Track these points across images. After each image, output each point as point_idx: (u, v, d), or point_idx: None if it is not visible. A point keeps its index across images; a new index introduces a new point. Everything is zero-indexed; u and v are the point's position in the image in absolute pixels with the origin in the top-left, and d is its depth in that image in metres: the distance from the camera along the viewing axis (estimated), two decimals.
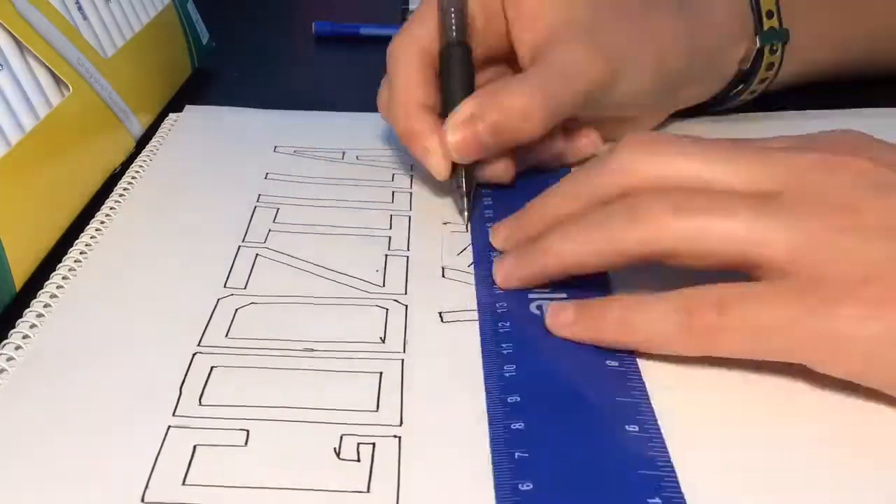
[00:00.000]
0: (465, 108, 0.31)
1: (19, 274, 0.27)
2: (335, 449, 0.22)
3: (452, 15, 0.34)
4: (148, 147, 0.38)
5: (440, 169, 0.32)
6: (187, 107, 0.42)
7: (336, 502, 0.20)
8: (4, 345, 0.25)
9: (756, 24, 0.38)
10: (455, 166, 0.33)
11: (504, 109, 0.31)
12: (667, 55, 0.35)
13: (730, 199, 0.24)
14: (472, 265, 0.30)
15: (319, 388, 0.24)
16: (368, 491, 0.21)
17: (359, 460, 0.22)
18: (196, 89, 0.44)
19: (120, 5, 0.39)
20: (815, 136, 0.27)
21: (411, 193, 0.35)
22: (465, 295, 0.29)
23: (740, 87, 0.39)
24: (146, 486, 0.20)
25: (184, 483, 0.21)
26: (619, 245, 0.25)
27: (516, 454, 0.21)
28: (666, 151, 0.26)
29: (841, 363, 0.23)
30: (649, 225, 0.24)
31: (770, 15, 0.38)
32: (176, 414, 0.23)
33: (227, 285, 0.29)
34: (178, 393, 0.24)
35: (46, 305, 0.27)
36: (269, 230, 0.32)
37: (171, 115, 0.41)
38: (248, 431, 0.22)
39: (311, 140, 0.39)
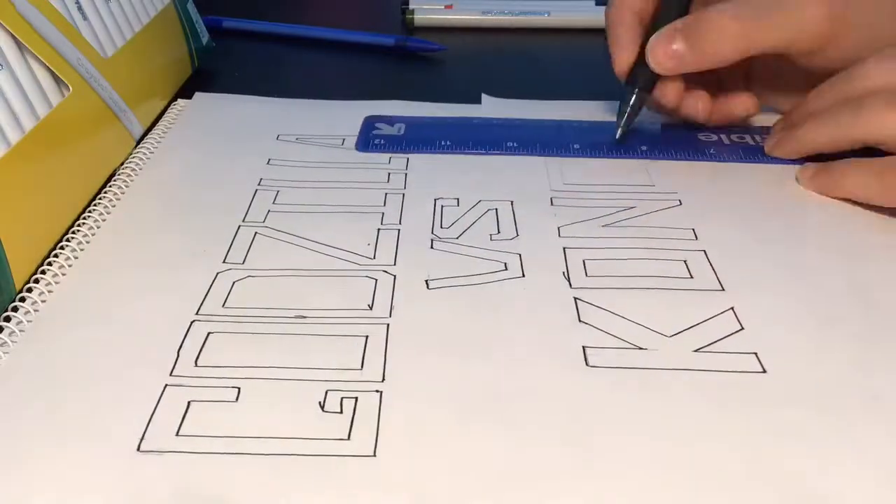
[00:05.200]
0: (671, 25, 0.36)
1: (19, 274, 0.28)
2: (320, 403, 0.23)
3: None
4: (156, 130, 0.40)
5: (621, 63, 0.38)
6: (197, 94, 0.44)
7: (317, 448, 0.22)
8: (18, 310, 0.27)
9: None
10: (629, 82, 0.38)
11: (704, 32, 0.35)
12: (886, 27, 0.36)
13: None
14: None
15: (308, 350, 0.26)
16: (349, 438, 0.22)
17: (341, 412, 0.23)
18: (196, 89, 0.44)
19: (120, 5, 0.39)
20: None
21: (406, 174, 0.37)
22: (451, 264, 0.30)
23: None
24: (142, 437, 0.22)
25: (177, 434, 0.22)
26: (846, 134, 0.34)
27: None
28: None
29: None
30: (870, 119, 0.33)
31: None
32: (173, 374, 0.24)
33: (225, 261, 0.30)
34: (176, 356, 0.25)
35: (57, 273, 0.29)
36: (269, 211, 0.34)
37: (180, 101, 0.43)
38: (239, 389, 0.24)
39: (313, 128, 0.41)
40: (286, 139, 0.40)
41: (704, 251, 0.31)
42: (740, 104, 0.39)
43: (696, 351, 0.26)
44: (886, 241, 0.31)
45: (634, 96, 0.37)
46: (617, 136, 0.38)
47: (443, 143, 0.39)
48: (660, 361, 0.25)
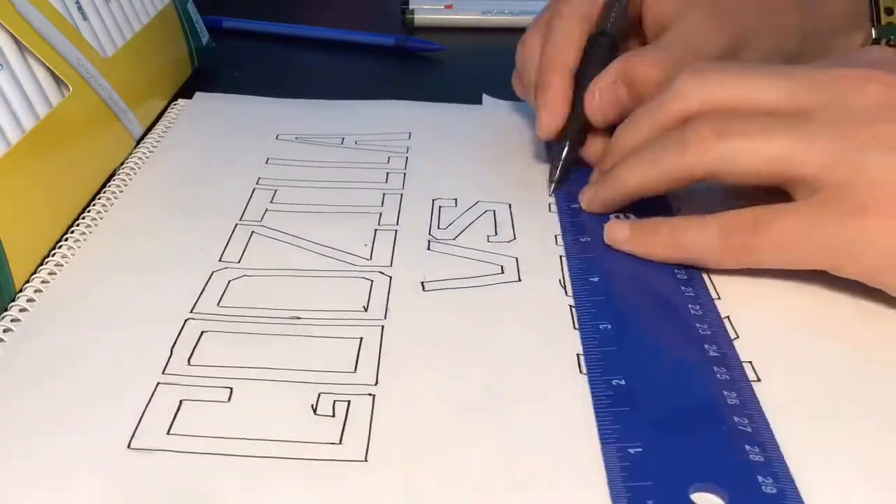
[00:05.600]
0: (609, 75, 0.34)
1: (19, 274, 0.28)
2: (312, 406, 0.23)
3: (614, 10, 0.37)
4: (156, 129, 0.40)
5: (550, 128, 0.35)
6: (197, 93, 0.44)
7: (309, 452, 0.22)
8: (11, 307, 0.27)
9: (874, 17, 0.38)
10: (560, 139, 0.35)
11: (639, 77, 0.34)
12: (782, 35, 0.36)
13: (767, 122, 0.27)
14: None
15: (302, 351, 0.26)
16: (340, 442, 0.22)
17: (333, 416, 0.23)
18: (196, 89, 0.44)
19: (120, 5, 0.39)
20: (849, 56, 0.30)
21: (405, 174, 0.37)
22: (447, 266, 0.30)
23: None
24: (133, 435, 0.22)
25: (168, 433, 0.22)
26: (672, 170, 0.29)
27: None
28: (717, 77, 0.29)
29: (852, 267, 0.26)
30: (695, 150, 0.28)
31: (889, 12, 0.38)
32: (165, 372, 0.24)
33: (222, 259, 0.30)
34: (169, 354, 0.25)
35: (53, 270, 0.29)
36: (266, 210, 0.34)
37: (181, 101, 0.43)
38: (231, 389, 0.24)
39: (313, 128, 0.41)
40: (285, 138, 0.40)
41: None
42: None
43: None
44: None
45: (566, 151, 0.35)
46: (550, 190, 0.35)
47: None
48: None
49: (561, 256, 0.31)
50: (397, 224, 0.33)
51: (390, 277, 0.29)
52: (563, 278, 0.29)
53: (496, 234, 0.32)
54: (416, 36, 0.54)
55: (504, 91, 0.45)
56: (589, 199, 0.33)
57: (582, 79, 0.35)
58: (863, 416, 0.23)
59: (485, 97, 0.44)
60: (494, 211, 0.34)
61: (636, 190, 0.30)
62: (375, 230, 0.32)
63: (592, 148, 0.36)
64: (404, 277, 0.29)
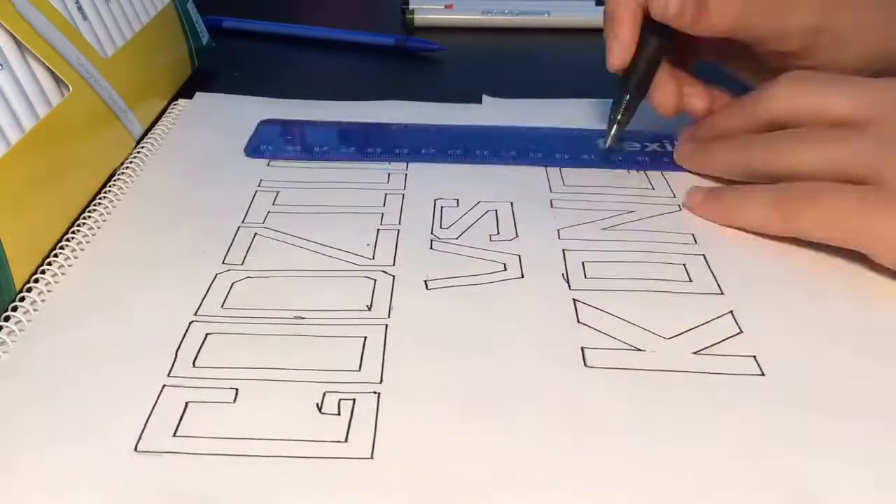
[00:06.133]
0: None
1: (19, 274, 0.28)
2: (317, 405, 0.23)
3: None
4: (156, 129, 0.40)
5: (617, 59, 0.36)
6: (197, 94, 0.44)
7: (315, 451, 0.22)
8: (15, 309, 0.27)
9: None
10: (623, 87, 0.37)
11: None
12: (875, 39, 0.36)
13: (829, 132, 0.31)
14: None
15: (306, 351, 0.26)
16: (346, 441, 0.22)
17: (339, 414, 0.23)
18: (196, 89, 0.44)
19: (120, 5, 0.39)
20: None
21: (406, 174, 0.37)
22: (450, 264, 0.30)
23: None
24: (139, 438, 0.22)
25: (174, 435, 0.22)
26: (754, 166, 0.33)
27: None
28: (803, 86, 0.33)
29: (887, 254, 0.29)
30: (785, 157, 0.32)
31: None
32: (171, 375, 0.24)
33: (225, 262, 0.30)
34: (174, 356, 0.25)
35: (56, 273, 0.29)
36: (269, 212, 0.34)
37: (181, 101, 0.43)
38: (237, 390, 0.24)
39: None
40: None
41: (704, 256, 0.31)
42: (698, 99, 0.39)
43: (694, 353, 0.26)
44: None
45: (626, 104, 0.36)
46: (606, 144, 0.37)
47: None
48: (658, 363, 0.25)
49: (564, 250, 0.31)
50: (399, 224, 0.33)
51: (393, 277, 0.29)
52: (566, 272, 0.30)
53: (498, 232, 0.32)
54: (416, 36, 0.54)
55: (504, 90, 0.45)
56: (683, 157, 0.37)
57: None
58: (866, 411, 0.24)
59: (484, 97, 0.44)
60: (496, 210, 0.34)
61: (720, 173, 0.35)
62: (378, 230, 0.32)
63: (659, 93, 0.37)
64: (407, 276, 0.29)
